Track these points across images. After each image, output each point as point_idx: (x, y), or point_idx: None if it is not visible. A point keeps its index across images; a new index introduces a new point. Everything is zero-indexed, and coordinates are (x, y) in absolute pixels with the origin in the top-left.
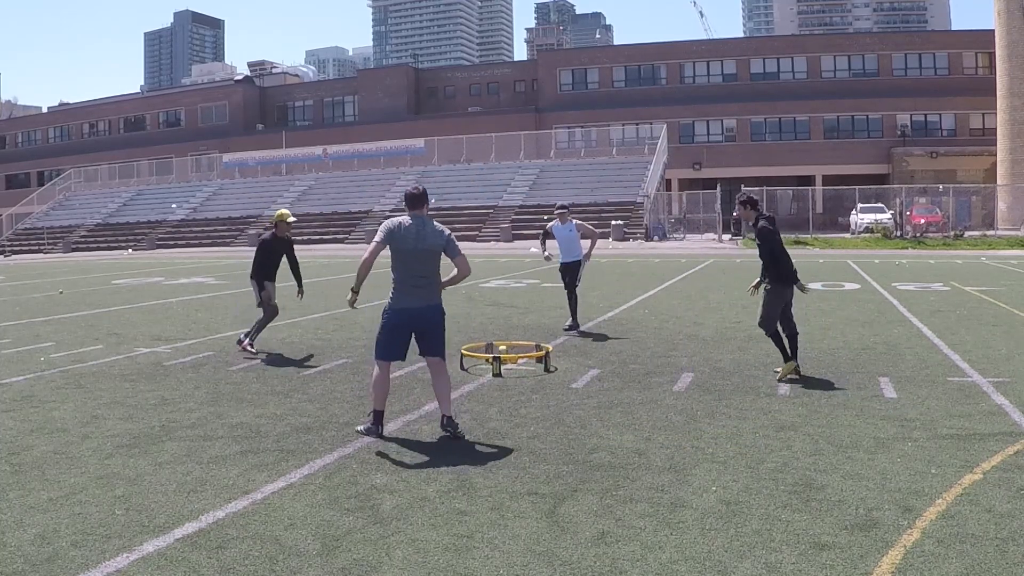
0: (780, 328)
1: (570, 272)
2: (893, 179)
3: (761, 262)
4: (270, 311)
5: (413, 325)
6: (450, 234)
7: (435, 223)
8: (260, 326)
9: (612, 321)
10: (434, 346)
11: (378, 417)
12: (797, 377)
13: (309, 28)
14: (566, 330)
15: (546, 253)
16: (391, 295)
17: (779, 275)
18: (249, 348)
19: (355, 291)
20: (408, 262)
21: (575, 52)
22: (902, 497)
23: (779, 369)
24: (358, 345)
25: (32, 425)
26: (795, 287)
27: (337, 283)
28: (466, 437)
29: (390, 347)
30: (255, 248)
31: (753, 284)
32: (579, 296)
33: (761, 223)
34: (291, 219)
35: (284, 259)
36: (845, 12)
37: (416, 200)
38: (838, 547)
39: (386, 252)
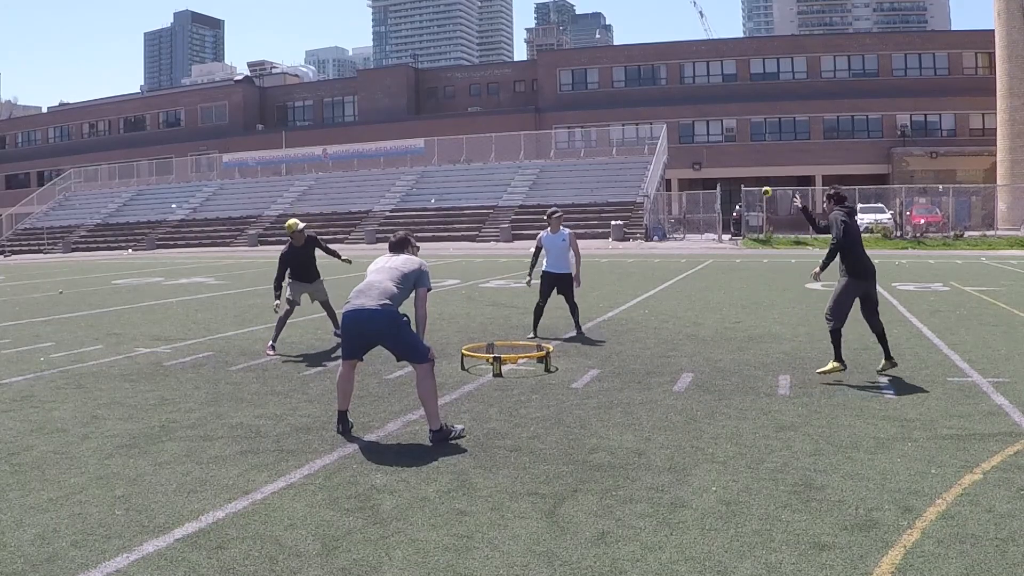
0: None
1: (558, 284)
2: (893, 179)
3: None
4: (326, 306)
5: None
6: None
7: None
8: (281, 325)
9: (612, 321)
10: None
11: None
12: (889, 375)
13: (309, 28)
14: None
15: (530, 279)
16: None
17: (852, 269)
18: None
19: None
20: None
21: (575, 52)
22: (902, 497)
23: (826, 368)
24: None
25: (32, 425)
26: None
27: (337, 283)
28: (465, 436)
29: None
30: (278, 262)
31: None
32: (577, 303)
33: (835, 212)
34: (300, 226)
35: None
36: (845, 12)
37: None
38: (838, 547)
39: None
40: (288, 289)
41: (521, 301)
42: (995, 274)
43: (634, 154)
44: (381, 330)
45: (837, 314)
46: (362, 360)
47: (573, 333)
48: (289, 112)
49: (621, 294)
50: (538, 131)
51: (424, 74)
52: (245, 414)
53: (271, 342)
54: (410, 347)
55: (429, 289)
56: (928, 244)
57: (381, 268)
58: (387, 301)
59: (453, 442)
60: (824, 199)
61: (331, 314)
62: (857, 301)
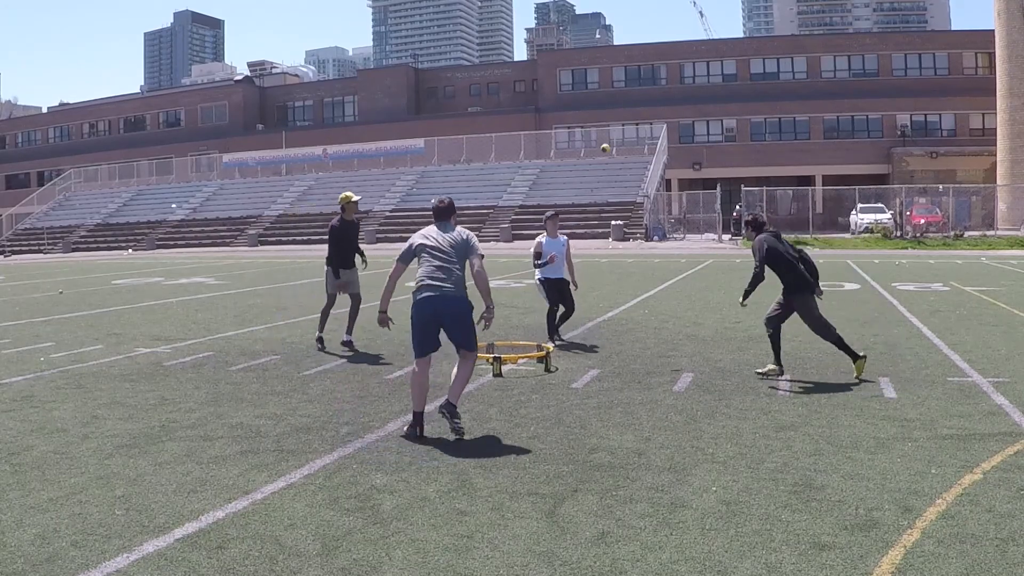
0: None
1: (557, 290)
2: (893, 179)
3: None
4: (355, 300)
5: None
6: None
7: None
8: (352, 316)
9: (612, 321)
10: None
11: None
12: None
13: (309, 28)
14: (556, 343)
15: (538, 270)
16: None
17: (797, 286)
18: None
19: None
20: None
21: (575, 52)
22: (902, 497)
23: (856, 368)
24: (358, 345)
25: (32, 425)
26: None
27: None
28: (465, 437)
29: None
30: (328, 236)
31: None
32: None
33: (758, 238)
34: (355, 198)
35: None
36: (845, 12)
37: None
38: (838, 547)
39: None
40: (327, 281)
41: (521, 301)
42: (995, 274)
43: (634, 154)
44: (455, 312)
45: (821, 328)
46: (436, 350)
47: (573, 332)
48: (289, 112)
49: (621, 294)
50: (538, 131)
51: (424, 74)
52: (245, 414)
53: (319, 333)
54: (472, 333)
55: (482, 256)
56: (928, 244)
57: (435, 248)
58: (458, 287)
59: (453, 442)
60: (744, 225)
61: (354, 313)
62: (795, 315)
